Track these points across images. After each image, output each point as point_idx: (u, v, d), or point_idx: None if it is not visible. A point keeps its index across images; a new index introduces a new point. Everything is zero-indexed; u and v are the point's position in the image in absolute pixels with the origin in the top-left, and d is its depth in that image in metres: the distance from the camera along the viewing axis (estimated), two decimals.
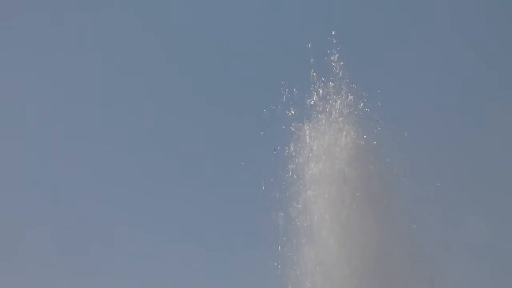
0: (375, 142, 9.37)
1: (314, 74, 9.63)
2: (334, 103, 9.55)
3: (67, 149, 15.82)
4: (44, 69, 16.36)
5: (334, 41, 9.82)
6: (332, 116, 9.50)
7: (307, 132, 9.47)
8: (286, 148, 9.42)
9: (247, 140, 13.52)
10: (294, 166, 9.34)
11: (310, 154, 9.34)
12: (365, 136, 9.39)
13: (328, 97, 9.60)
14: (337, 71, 9.70)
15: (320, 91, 9.63)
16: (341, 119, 9.46)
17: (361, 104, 9.52)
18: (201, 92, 16.46)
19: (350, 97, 9.54)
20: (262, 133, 9.67)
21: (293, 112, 9.53)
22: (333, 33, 9.86)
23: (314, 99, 9.59)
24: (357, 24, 15.51)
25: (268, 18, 16.94)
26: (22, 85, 16.16)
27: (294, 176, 9.27)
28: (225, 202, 14.10)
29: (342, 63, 9.72)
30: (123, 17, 17.28)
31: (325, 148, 9.30)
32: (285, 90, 9.60)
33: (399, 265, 8.68)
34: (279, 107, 9.60)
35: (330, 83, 9.62)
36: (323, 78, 9.64)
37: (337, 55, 9.78)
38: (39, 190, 15.23)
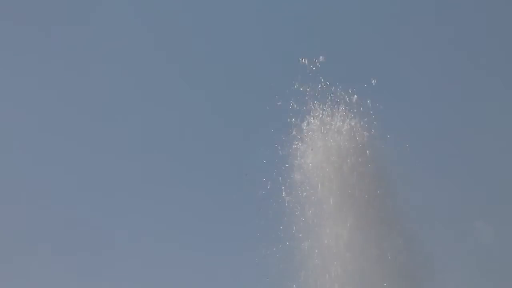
0: (382, 146, 9.30)
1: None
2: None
3: (66, 150, 15.89)
4: (43, 69, 16.46)
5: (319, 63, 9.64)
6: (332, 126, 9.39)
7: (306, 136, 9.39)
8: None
9: (247, 141, 13.50)
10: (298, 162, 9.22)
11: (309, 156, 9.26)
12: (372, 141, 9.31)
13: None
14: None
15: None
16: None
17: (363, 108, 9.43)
18: (200, 93, 16.52)
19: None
20: (271, 129, 9.56)
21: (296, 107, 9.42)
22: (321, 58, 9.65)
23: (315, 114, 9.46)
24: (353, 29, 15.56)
25: (268, 19, 16.98)
26: (21, 88, 16.28)
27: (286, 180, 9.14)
28: (225, 203, 14.07)
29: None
30: (123, 17, 17.34)
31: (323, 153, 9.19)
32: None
33: (403, 268, 8.59)
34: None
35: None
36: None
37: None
38: (39, 192, 15.25)
